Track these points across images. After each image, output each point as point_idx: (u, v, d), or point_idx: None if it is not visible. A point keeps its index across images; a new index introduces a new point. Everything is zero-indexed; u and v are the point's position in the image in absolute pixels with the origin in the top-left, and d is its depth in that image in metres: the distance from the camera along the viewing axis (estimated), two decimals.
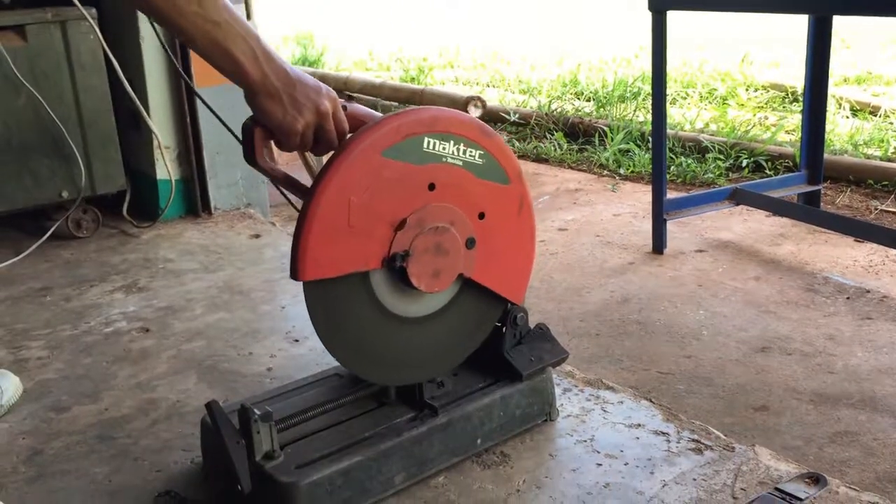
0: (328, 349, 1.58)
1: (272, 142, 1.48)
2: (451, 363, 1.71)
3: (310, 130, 1.43)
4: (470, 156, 1.53)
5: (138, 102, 3.21)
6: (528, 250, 1.69)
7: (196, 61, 3.14)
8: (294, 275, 1.44)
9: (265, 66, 1.37)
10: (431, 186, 1.50)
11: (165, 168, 3.34)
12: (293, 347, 2.26)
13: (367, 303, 1.54)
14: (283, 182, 1.56)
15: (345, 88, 6.75)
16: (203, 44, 1.33)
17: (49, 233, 3.14)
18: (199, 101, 3.27)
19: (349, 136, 1.47)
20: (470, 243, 1.58)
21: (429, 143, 1.48)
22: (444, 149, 1.50)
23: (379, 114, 1.55)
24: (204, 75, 3.06)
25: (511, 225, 1.63)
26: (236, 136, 1.57)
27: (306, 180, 1.51)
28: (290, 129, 1.42)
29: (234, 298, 2.65)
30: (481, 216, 1.58)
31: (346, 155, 1.42)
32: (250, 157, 1.50)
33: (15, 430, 1.90)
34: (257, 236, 3.24)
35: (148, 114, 3.25)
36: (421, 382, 1.65)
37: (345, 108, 1.50)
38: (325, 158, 1.48)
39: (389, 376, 1.64)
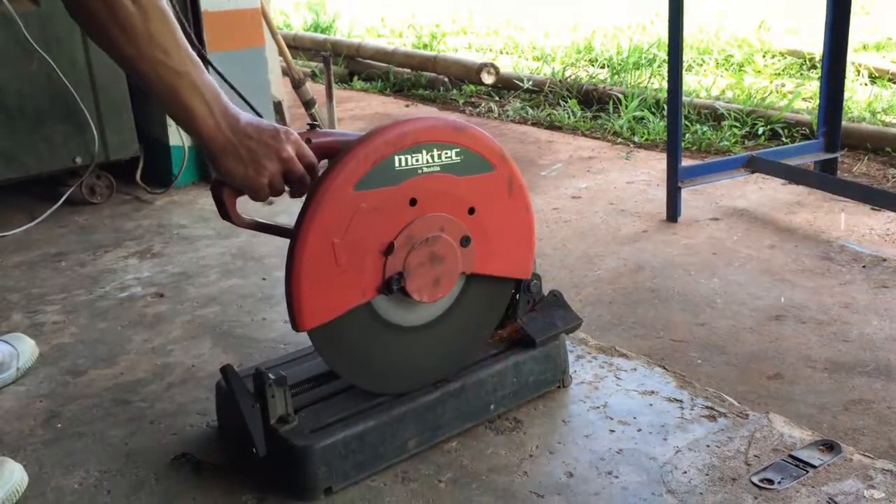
0: (352, 381, 1.58)
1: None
2: (475, 348, 1.71)
3: (277, 179, 1.39)
4: (446, 158, 1.49)
5: None
6: (528, 225, 1.66)
7: (208, 27, 3.12)
8: (294, 327, 1.43)
9: (221, 120, 1.32)
10: (413, 202, 1.47)
11: (178, 134, 3.34)
12: None
13: (376, 326, 1.54)
14: (264, 230, 1.54)
15: (357, 55, 6.70)
16: (160, 91, 1.29)
17: (63, 199, 3.15)
18: (210, 67, 3.26)
19: (322, 167, 1.44)
20: (465, 241, 1.56)
21: (400, 160, 1.44)
22: (417, 161, 1.46)
23: (348, 133, 1.52)
24: (215, 41, 3.05)
25: (504, 207, 1.61)
26: (247, 101, 1.55)
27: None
28: (254, 184, 1.38)
29: (248, 265, 2.66)
30: (471, 211, 1.55)
31: (319, 199, 1.38)
32: (225, 216, 1.47)
33: (32, 393, 1.92)
34: (270, 203, 3.24)
35: None
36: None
37: (309, 141, 1.46)
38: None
39: (420, 381, 1.63)
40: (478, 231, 1.57)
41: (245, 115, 1.37)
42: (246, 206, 1.48)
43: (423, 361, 1.62)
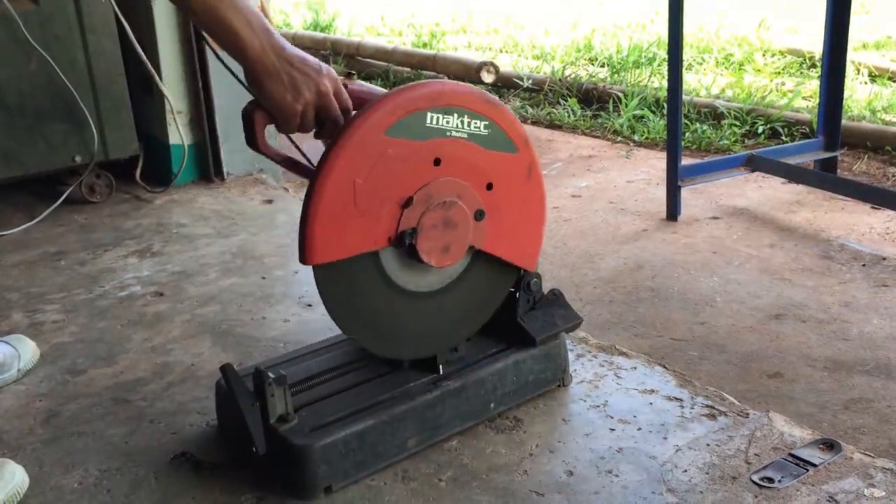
0: (342, 328, 1.58)
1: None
2: (468, 332, 1.71)
3: (310, 111, 1.41)
4: (475, 127, 1.51)
5: (150, 67, 3.20)
6: (539, 217, 1.67)
7: None
8: (302, 259, 1.43)
9: (265, 42, 1.34)
10: (437, 161, 1.48)
11: (178, 133, 3.33)
12: (306, 312, 2.26)
13: (378, 281, 1.53)
14: (287, 165, 1.54)
15: (356, 54, 6.69)
16: (201, 12, 1.30)
17: (63, 198, 3.15)
18: (210, 66, 3.27)
19: (352, 114, 1.44)
20: (479, 215, 1.56)
21: (432, 118, 1.45)
22: (448, 122, 1.47)
23: (381, 89, 1.53)
24: None
25: (520, 193, 1.62)
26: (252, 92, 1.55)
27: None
28: (289, 110, 1.39)
29: (248, 263, 2.66)
30: (489, 187, 1.56)
31: (349, 136, 1.39)
32: (252, 141, 1.47)
33: (32, 392, 1.92)
34: (270, 202, 3.24)
35: (160, 78, 3.23)
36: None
37: (345, 85, 1.47)
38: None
39: (407, 351, 1.64)
40: (492, 208, 1.58)
41: (290, 45, 1.38)
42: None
43: (415, 329, 1.62)
